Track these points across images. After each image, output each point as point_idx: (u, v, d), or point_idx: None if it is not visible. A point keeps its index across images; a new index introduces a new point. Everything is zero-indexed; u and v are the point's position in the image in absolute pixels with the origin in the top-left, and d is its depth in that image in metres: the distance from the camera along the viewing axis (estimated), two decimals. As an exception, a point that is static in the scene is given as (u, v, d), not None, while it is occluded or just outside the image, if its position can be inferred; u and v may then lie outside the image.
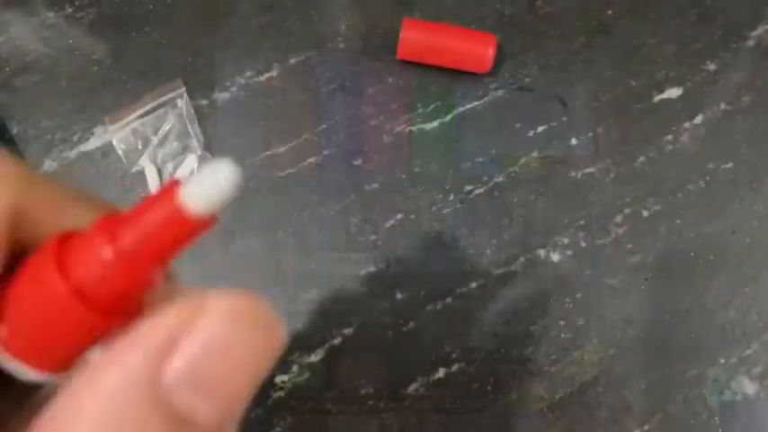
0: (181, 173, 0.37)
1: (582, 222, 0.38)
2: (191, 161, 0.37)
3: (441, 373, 0.35)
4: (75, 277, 0.11)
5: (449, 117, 0.39)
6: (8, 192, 0.12)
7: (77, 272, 0.11)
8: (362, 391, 0.35)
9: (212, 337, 0.10)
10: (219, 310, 0.11)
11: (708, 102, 0.40)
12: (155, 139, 0.37)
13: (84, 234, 0.12)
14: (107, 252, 0.11)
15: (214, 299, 0.11)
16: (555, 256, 0.37)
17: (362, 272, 0.37)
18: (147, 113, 0.38)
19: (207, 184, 0.11)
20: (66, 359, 0.12)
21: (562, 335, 0.36)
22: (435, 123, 0.39)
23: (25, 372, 0.12)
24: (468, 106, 0.40)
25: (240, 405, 0.11)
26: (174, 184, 0.11)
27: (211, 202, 0.11)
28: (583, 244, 0.37)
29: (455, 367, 0.35)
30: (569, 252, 0.37)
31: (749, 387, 0.36)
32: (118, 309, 0.12)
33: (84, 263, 0.11)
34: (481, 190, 0.38)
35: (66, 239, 0.12)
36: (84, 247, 0.12)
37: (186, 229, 0.11)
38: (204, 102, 0.39)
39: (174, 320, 0.11)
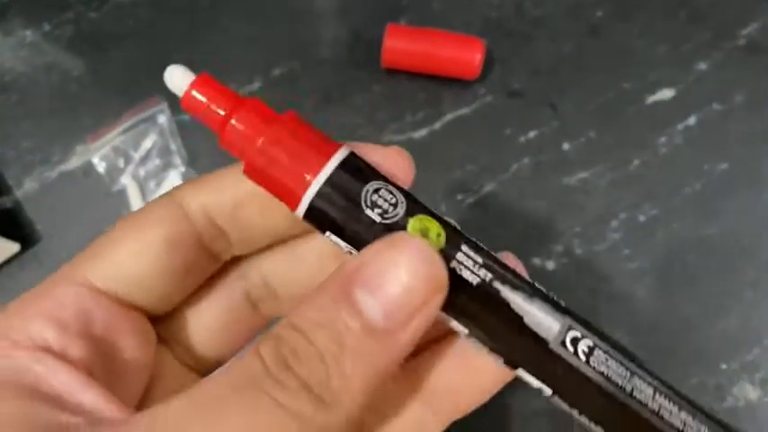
0: (164, 190, 0.36)
1: (577, 229, 0.37)
2: (173, 177, 0.36)
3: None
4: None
5: (438, 125, 0.39)
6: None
7: None
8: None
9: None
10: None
11: (700, 102, 0.40)
12: (136, 157, 0.37)
13: None
14: None
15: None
16: (550, 265, 0.36)
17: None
18: (127, 130, 0.37)
19: None
20: None
21: (560, 345, 0.35)
22: (424, 132, 0.39)
23: None
24: (458, 113, 0.39)
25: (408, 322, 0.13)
26: None
27: None
28: (578, 251, 0.36)
29: (451, 382, 0.35)
30: (565, 260, 0.36)
31: (752, 393, 0.35)
32: None
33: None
34: (473, 199, 0.37)
35: None
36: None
37: None
38: (186, 117, 0.38)
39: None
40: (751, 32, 0.41)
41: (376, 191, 0.14)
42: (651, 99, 0.40)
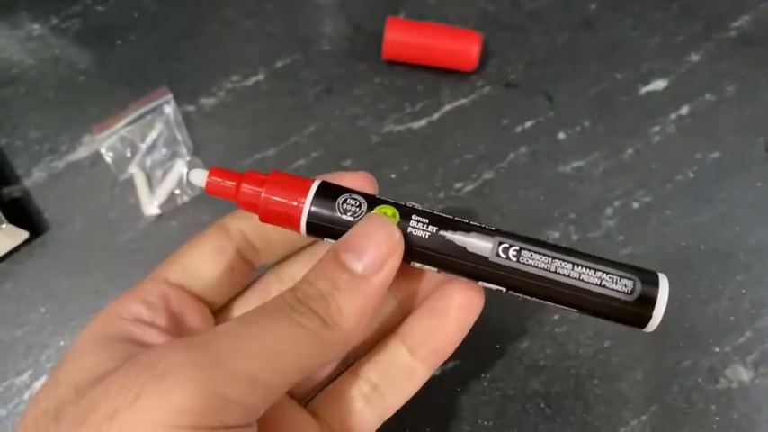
0: (170, 179, 0.37)
1: (572, 216, 0.38)
2: (179, 167, 0.37)
3: (437, 371, 0.35)
4: None
5: (436, 116, 0.39)
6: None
7: None
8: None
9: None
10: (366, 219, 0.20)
11: (693, 92, 0.40)
12: (143, 147, 0.37)
13: None
14: None
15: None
16: (546, 251, 0.37)
17: (355, 272, 0.36)
18: (134, 121, 0.38)
19: None
20: None
21: (557, 329, 0.36)
22: (423, 122, 0.39)
23: None
24: (456, 104, 0.40)
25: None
26: None
27: None
28: (574, 237, 0.37)
29: (450, 365, 0.35)
30: (561, 246, 0.37)
31: (744, 374, 0.36)
32: None
33: None
34: (471, 187, 0.38)
35: None
36: None
37: None
38: (191, 108, 0.39)
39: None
40: (742, 24, 0.42)
41: (344, 201, 0.20)
42: (644, 89, 0.40)
